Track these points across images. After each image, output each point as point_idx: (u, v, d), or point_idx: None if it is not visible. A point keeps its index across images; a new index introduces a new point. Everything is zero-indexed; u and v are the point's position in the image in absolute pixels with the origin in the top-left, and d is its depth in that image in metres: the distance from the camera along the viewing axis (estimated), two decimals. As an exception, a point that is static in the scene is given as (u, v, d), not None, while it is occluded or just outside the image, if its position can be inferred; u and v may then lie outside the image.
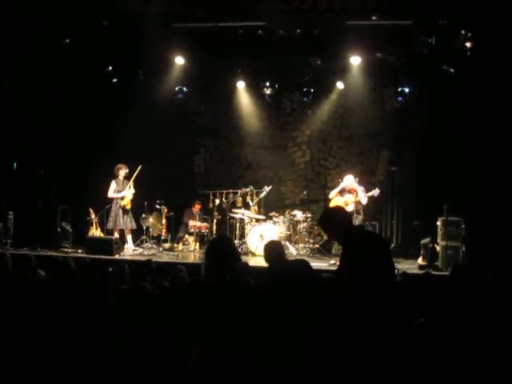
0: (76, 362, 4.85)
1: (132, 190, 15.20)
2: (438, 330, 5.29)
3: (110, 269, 9.17)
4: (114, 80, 16.77)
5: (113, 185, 15.21)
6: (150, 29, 14.06)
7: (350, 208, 13.84)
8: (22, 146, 16.11)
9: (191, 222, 17.07)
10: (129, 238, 15.43)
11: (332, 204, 14.36)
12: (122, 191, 15.15)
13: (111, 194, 15.23)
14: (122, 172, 15.27)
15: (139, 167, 15.15)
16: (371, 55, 15.51)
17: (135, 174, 15.19)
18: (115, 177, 15.32)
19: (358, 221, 13.79)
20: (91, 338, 5.11)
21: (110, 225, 15.34)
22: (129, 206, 15.27)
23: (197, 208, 17.48)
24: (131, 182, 15.15)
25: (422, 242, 14.22)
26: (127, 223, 15.27)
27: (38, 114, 16.09)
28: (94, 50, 15.15)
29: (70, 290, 7.09)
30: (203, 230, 16.91)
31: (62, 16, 13.85)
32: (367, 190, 14.00)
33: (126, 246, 15.02)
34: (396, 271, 8.62)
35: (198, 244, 16.67)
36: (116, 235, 15.11)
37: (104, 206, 15.60)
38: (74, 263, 8.39)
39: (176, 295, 6.96)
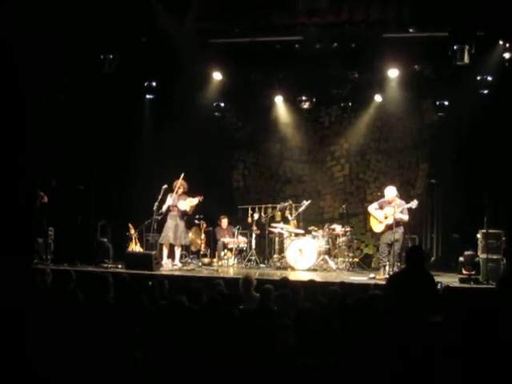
0: (112, 378, 4.86)
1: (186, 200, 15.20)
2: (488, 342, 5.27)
3: (150, 283, 9.23)
4: (152, 96, 16.90)
5: (169, 199, 15.12)
6: (187, 45, 14.12)
7: (389, 221, 13.76)
8: (61, 162, 16.23)
9: (224, 239, 17.02)
10: (177, 252, 15.33)
11: (372, 218, 14.29)
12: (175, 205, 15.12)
13: (165, 208, 15.17)
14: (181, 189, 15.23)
15: (182, 175, 15.11)
16: (409, 68, 15.45)
17: (179, 182, 15.16)
18: (172, 191, 15.16)
19: (397, 234, 13.71)
20: (128, 353, 5.11)
21: (161, 239, 15.24)
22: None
23: (224, 223, 17.36)
24: (175, 194, 15.08)
25: (464, 254, 14.11)
26: (181, 239, 15.23)
27: (77, 131, 16.24)
28: (132, 66, 15.25)
29: (107, 306, 7.12)
30: (241, 245, 16.86)
31: (100, 32, 13.96)
32: (406, 203, 13.87)
33: (164, 261, 15.01)
34: (439, 285, 8.58)
35: (236, 259, 16.60)
36: (165, 250, 15.13)
37: (143, 221, 15.67)
38: (112, 278, 8.44)
39: (213, 310, 6.96)
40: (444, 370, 5.17)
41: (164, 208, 15.02)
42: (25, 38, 13.38)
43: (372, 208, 14.30)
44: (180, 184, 15.10)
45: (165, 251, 15.13)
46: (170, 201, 14.99)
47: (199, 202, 15.21)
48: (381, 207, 14.14)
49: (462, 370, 5.04)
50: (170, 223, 15.08)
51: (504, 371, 4.97)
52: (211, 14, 13.45)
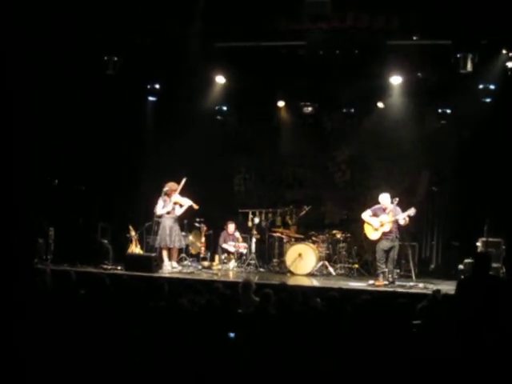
0: (109, 376, 4.88)
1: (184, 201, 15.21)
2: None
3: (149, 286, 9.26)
4: (155, 98, 16.92)
5: (160, 202, 15.15)
6: (191, 48, 14.15)
7: (385, 228, 13.75)
8: (63, 163, 16.26)
9: (225, 246, 16.96)
10: (174, 255, 15.31)
11: (366, 225, 14.26)
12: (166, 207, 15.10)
13: (160, 210, 15.16)
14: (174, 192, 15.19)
15: (184, 179, 15.11)
16: (412, 75, 15.49)
17: (181, 187, 15.15)
18: (164, 194, 15.12)
19: (394, 242, 13.73)
20: (126, 353, 5.14)
21: (157, 243, 15.21)
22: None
23: (230, 228, 17.23)
24: (177, 196, 15.08)
25: (464, 262, 14.14)
26: (175, 242, 15.20)
27: (79, 132, 16.29)
28: (135, 68, 15.26)
29: (105, 306, 7.14)
30: (242, 249, 16.84)
31: (104, 34, 13.98)
32: (405, 210, 13.82)
33: (165, 263, 15.01)
34: (438, 291, 8.61)
35: (236, 262, 16.58)
36: (164, 252, 15.13)
37: (144, 223, 15.69)
38: (108, 280, 8.46)
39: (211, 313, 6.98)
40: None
41: (164, 211, 15.01)
42: (28, 39, 13.44)
43: (366, 215, 14.24)
44: (176, 188, 15.09)
45: (164, 254, 15.11)
46: (169, 206, 14.97)
47: (191, 207, 15.22)
48: (375, 214, 14.10)
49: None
50: (165, 226, 15.06)
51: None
52: (216, 18, 13.46)
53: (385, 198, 14.00)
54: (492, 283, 8.00)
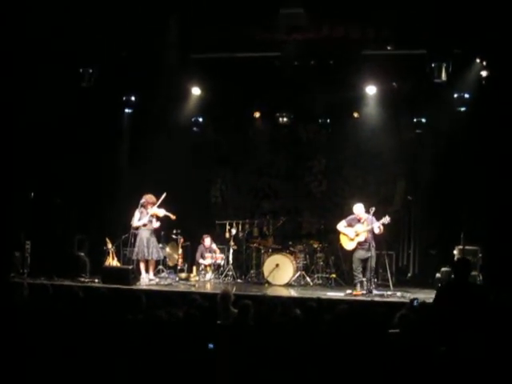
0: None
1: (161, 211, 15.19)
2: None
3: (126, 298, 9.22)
4: (131, 110, 16.89)
5: (137, 214, 15.10)
6: (166, 59, 14.15)
7: (361, 238, 13.79)
8: (39, 176, 16.17)
9: (201, 261, 16.79)
10: (151, 267, 15.22)
11: (342, 236, 14.28)
12: (144, 220, 15.05)
13: (136, 222, 15.09)
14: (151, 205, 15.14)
15: (164, 194, 15.07)
16: (386, 85, 15.58)
17: (160, 201, 15.10)
18: (142, 206, 15.08)
19: (371, 252, 13.76)
20: (106, 367, 5.11)
21: (134, 255, 15.10)
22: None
23: (207, 242, 17.03)
24: (155, 208, 15.04)
25: (441, 271, 14.21)
26: (153, 253, 15.11)
27: (55, 144, 16.21)
28: (111, 80, 15.22)
29: (79, 319, 7.11)
30: (219, 261, 16.79)
31: (80, 46, 13.94)
32: (377, 220, 13.84)
33: (142, 275, 14.95)
34: (415, 302, 8.64)
35: (213, 274, 16.52)
36: (142, 264, 15.05)
37: (121, 235, 15.64)
38: (82, 293, 8.44)
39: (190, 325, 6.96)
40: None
41: (140, 223, 14.95)
42: (3, 51, 13.38)
43: (341, 226, 14.25)
44: (153, 200, 15.04)
45: (142, 266, 15.05)
46: (146, 218, 14.93)
47: (168, 217, 15.20)
48: (350, 225, 14.12)
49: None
50: (142, 238, 14.99)
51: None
52: (191, 29, 13.46)
53: (359, 208, 14.05)
54: (471, 289, 8.05)
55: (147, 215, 14.94)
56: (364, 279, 13.71)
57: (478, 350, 6.09)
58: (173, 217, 15.25)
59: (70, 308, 7.72)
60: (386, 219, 13.63)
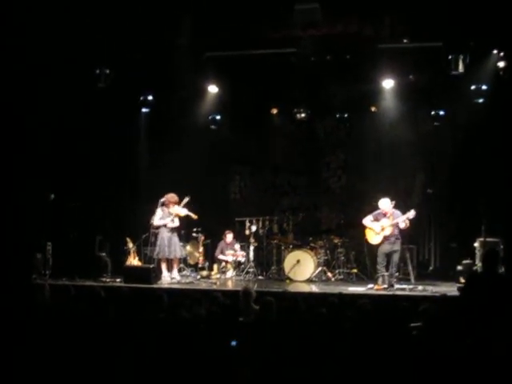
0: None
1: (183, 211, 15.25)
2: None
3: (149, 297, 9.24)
4: (148, 110, 16.93)
5: (158, 213, 15.17)
6: (182, 58, 14.16)
7: (387, 232, 13.75)
8: (59, 177, 16.23)
9: (221, 257, 16.84)
10: (175, 266, 15.28)
11: (368, 230, 14.24)
12: (165, 219, 15.10)
13: (157, 221, 15.17)
14: (173, 204, 15.20)
15: (187, 198, 15.15)
16: (403, 78, 15.52)
17: (182, 204, 15.17)
18: (163, 205, 15.20)
19: (396, 245, 13.73)
20: (128, 367, 5.13)
21: (155, 254, 15.22)
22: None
23: (229, 238, 17.08)
24: (176, 208, 15.09)
25: (462, 263, 14.15)
26: (176, 252, 15.18)
27: (73, 146, 16.26)
28: (127, 80, 15.27)
29: (102, 320, 7.13)
30: (240, 258, 16.81)
31: (96, 47, 13.98)
32: (403, 213, 13.82)
33: (163, 274, 14.99)
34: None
35: (234, 271, 16.54)
36: (163, 264, 15.11)
37: (141, 235, 15.67)
38: (104, 293, 8.46)
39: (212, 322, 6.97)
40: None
41: (161, 222, 15.01)
42: (20, 52, 13.41)
43: (367, 221, 14.21)
44: (175, 200, 15.08)
45: (163, 265, 15.10)
46: (168, 218, 14.97)
47: (188, 216, 15.25)
48: (376, 219, 14.08)
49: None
50: (163, 237, 15.05)
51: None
52: (206, 28, 13.47)
53: (385, 203, 13.99)
54: (500, 280, 8.03)
55: (169, 215, 14.99)
56: (386, 273, 13.68)
57: (507, 342, 6.06)
58: (194, 216, 15.29)
59: (92, 308, 7.75)
60: (412, 213, 13.58)
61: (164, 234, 15.04)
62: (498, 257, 8.29)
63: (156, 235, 15.24)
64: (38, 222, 15.44)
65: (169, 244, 14.96)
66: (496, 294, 7.57)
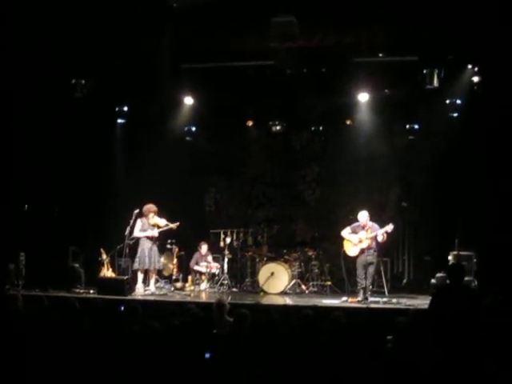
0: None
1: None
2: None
3: (122, 308, 9.21)
4: (123, 121, 16.91)
5: (138, 224, 15.11)
6: (158, 70, 14.16)
7: (364, 245, 13.80)
8: (33, 187, 16.14)
9: (196, 268, 16.74)
10: (152, 277, 15.22)
11: (346, 242, 14.28)
12: (146, 230, 15.06)
13: (138, 233, 15.09)
14: (152, 214, 15.13)
15: (177, 223, 15.21)
16: (379, 91, 15.60)
17: (168, 227, 15.20)
18: (142, 216, 15.12)
19: (372, 257, 13.78)
20: (102, 378, 5.09)
21: (136, 265, 15.06)
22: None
23: (204, 249, 17.02)
24: (156, 218, 15.08)
25: (436, 276, 14.22)
26: (155, 263, 15.11)
27: (48, 156, 16.17)
28: (103, 91, 15.24)
29: (76, 331, 7.09)
30: (214, 270, 16.74)
31: (72, 57, 13.94)
32: (380, 227, 13.87)
33: (138, 285, 14.92)
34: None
35: (208, 283, 16.47)
36: (140, 275, 15.02)
37: (115, 246, 15.59)
38: (78, 304, 8.42)
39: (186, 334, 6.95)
40: None
41: (142, 234, 14.95)
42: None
43: (345, 233, 14.25)
44: (154, 210, 15.06)
45: (140, 276, 15.02)
46: (149, 230, 14.94)
47: (167, 226, 15.21)
48: (354, 231, 14.14)
49: None
50: (144, 248, 14.97)
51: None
52: (183, 39, 13.47)
53: (363, 216, 14.05)
54: (466, 293, 8.07)
55: (149, 226, 14.96)
56: (366, 286, 13.72)
57: (474, 353, 6.10)
58: (174, 226, 15.24)
59: (66, 319, 7.70)
60: (390, 227, 13.66)
61: (145, 246, 14.96)
62: (463, 270, 8.34)
63: (132, 247, 15.17)
64: (11, 232, 15.35)
65: (149, 255, 14.89)
66: (461, 305, 7.62)
